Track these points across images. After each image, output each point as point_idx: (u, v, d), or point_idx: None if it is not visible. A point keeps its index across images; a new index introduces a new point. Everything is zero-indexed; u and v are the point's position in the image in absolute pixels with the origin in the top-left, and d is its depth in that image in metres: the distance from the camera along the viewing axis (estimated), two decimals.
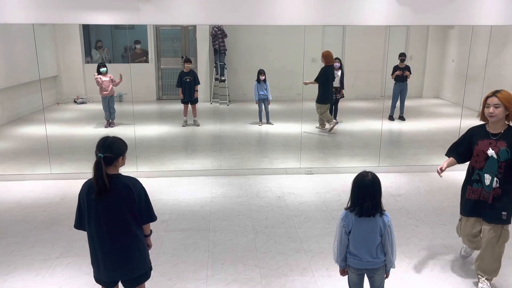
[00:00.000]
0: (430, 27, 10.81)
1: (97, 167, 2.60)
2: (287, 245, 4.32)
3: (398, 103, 9.32)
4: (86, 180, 2.75)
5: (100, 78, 8.41)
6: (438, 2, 5.93)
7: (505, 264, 3.97)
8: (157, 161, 6.86)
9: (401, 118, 9.35)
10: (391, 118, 9.25)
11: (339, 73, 8.80)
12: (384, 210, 2.83)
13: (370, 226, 2.79)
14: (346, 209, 2.87)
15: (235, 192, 5.69)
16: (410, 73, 9.23)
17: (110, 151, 2.65)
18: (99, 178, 2.59)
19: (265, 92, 8.76)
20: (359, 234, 2.81)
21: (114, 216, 2.67)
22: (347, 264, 2.94)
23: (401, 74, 9.11)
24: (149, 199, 2.79)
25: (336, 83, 8.79)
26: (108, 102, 8.48)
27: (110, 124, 8.49)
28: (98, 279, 2.84)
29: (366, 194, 2.78)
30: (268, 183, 6.01)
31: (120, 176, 2.71)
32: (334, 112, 8.98)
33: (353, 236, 2.83)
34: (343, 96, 8.96)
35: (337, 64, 8.76)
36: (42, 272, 3.85)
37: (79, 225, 2.78)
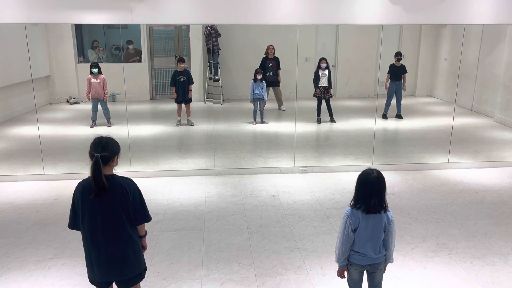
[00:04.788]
0: (422, 26, 10.86)
1: (96, 167, 2.57)
2: (282, 244, 4.33)
3: (393, 102, 9.35)
4: (80, 180, 2.73)
5: (89, 79, 8.36)
6: (431, 1, 5.96)
7: (497, 261, 4.01)
8: (151, 161, 6.84)
9: (399, 116, 9.40)
10: (384, 116, 9.28)
11: (326, 72, 8.84)
12: (387, 206, 2.85)
13: (376, 223, 2.81)
14: (351, 206, 2.86)
15: (229, 192, 5.69)
16: (406, 72, 9.28)
17: (106, 150, 2.64)
18: (98, 178, 2.58)
19: (261, 91, 8.78)
20: (365, 231, 2.82)
21: (110, 217, 2.66)
22: (350, 262, 2.94)
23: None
24: (143, 199, 2.79)
25: (324, 83, 8.84)
26: (99, 103, 8.44)
27: (95, 124, 8.45)
28: (92, 280, 2.83)
29: (372, 191, 2.79)
30: (262, 182, 6.02)
31: (115, 176, 2.70)
32: (328, 111, 9.01)
33: (359, 233, 2.83)
34: (332, 96, 9.00)
35: (323, 64, 8.80)
36: (36, 273, 3.83)
37: (73, 225, 2.77)
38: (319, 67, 8.88)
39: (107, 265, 2.71)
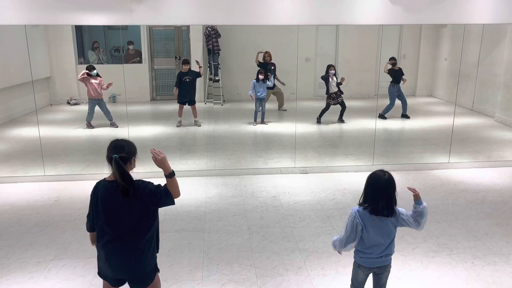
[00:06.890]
0: (423, 26, 10.86)
1: (119, 167, 2.58)
2: (282, 244, 4.33)
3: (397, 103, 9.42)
4: (99, 181, 2.73)
5: (89, 79, 8.37)
6: (431, 1, 5.96)
7: (498, 261, 4.00)
8: (152, 162, 6.82)
9: (405, 116, 9.46)
10: (382, 116, 9.31)
11: (335, 78, 8.86)
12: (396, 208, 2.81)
13: (384, 225, 2.77)
14: (359, 205, 2.81)
15: (230, 192, 5.69)
16: (403, 74, 9.35)
17: (124, 151, 2.67)
18: (125, 177, 2.59)
19: (263, 91, 8.78)
20: (373, 232, 2.77)
21: (122, 218, 2.64)
22: (358, 264, 2.91)
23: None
24: (160, 189, 2.84)
25: (334, 89, 8.85)
26: (99, 105, 8.44)
27: (91, 125, 8.48)
28: (104, 276, 2.80)
29: (381, 194, 2.75)
30: (263, 183, 6.02)
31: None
32: (340, 112, 9.03)
33: (367, 234, 2.77)
34: (339, 101, 8.99)
35: (332, 71, 8.81)
36: (36, 275, 3.83)
37: (91, 228, 2.78)
38: (328, 74, 8.86)
39: (113, 263, 2.69)
